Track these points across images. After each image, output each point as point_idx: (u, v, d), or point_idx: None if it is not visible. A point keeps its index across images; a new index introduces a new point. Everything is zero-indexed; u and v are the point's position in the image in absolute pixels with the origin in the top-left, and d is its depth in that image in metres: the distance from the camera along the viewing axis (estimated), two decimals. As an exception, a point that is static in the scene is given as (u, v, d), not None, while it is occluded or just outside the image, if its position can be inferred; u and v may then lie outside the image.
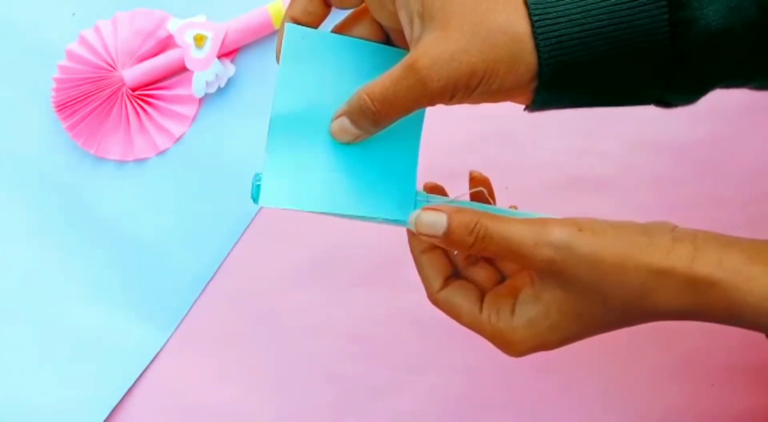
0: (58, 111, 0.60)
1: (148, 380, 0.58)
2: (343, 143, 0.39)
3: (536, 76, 0.36)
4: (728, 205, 0.56)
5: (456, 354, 0.57)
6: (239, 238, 0.59)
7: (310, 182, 0.39)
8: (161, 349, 0.59)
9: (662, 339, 0.56)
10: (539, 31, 0.35)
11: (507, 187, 0.56)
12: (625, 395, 0.56)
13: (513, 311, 0.38)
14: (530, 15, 0.35)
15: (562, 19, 0.35)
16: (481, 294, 0.40)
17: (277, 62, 0.41)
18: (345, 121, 0.38)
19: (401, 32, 0.39)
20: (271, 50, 0.61)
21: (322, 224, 0.59)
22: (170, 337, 0.59)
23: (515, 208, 0.42)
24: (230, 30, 0.59)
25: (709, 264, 0.36)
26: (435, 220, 0.38)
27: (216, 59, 0.59)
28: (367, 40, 0.41)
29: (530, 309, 0.38)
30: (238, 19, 0.60)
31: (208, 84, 0.59)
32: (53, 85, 0.60)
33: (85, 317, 0.59)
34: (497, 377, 0.56)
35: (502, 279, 0.42)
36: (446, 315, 0.41)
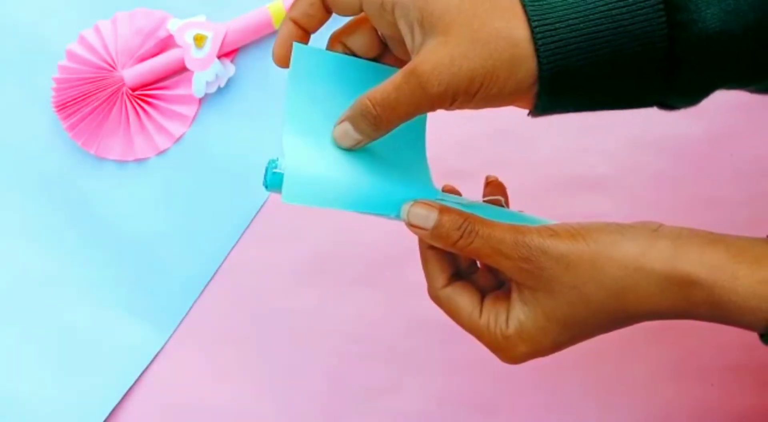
0: (58, 111, 0.60)
1: (148, 380, 0.58)
2: (346, 148, 0.40)
3: (537, 81, 0.36)
4: (727, 205, 0.56)
5: (455, 354, 0.57)
6: (239, 238, 0.59)
7: (330, 180, 0.39)
8: (161, 349, 0.59)
9: (662, 339, 0.56)
10: (539, 36, 0.35)
11: (507, 187, 0.56)
12: (625, 395, 0.56)
13: (508, 317, 0.39)
14: (529, 21, 0.36)
15: (560, 25, 0.36)
16: (482, 298, 0.40)
17: (274, 62, 0.41)
18: (347, 126, 0.39)
19: (400, 41, 0.39)
20: (271, 50, 0.60)
21: (322, 224, 0.59)
22: (170, 337, 0.59)
23: (522, 212, 0.42)
24: (230, 30, 0.59)
25: (690, 262, 0.36)
26: (426, 214, 0.38)
27: (216, 59, 0.59)
28: (367, 51, 0.42)
29: (520, 315, 0.38)
30: (238, 19, 0.60)
31: (208, 84, 0.59)
32: (53, 85, 0.60)
33: (84, 317, 0.59)
34: (496, 377, 0.56)
35: (501, 286, 0.42)
36: (445, 313, 0.41)
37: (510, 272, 0.38)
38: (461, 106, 0.37)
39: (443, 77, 0.35)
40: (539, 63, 0.36)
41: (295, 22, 0.41)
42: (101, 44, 0.60)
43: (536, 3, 0.36)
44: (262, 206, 0.59)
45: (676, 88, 0.37)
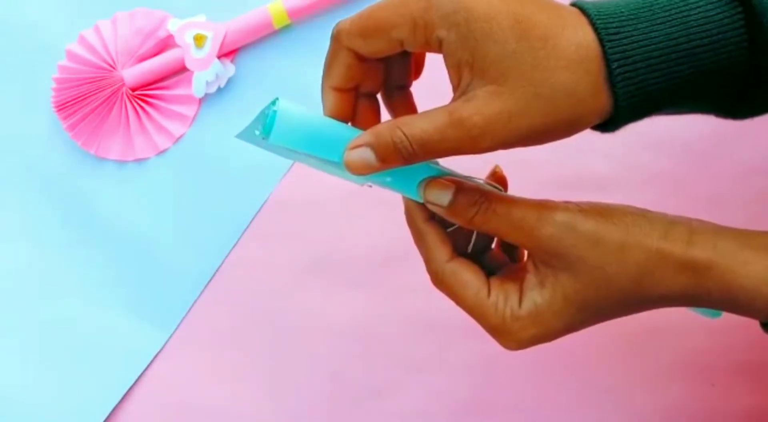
0: (58, 111, 0.60)
1: (148, 380, 0.58)
2: (354, 176, 0.37)
3: (602, 119, 0.35)
4: (728, 204, 0.56)
5: (456, 354, 0.57)
6: (239, 238, 0.59)
7: (320, 130, 0.37)
8: (161, 349, 0.59)
9: (662, 339, 0.56)
10: (619, 78, 0.34)
11: (507, 188, 0.56)
12: (625, 395, 0.56)
13: (520, 299, 0.37)
14: (607, 61, 0.34)
15: (641, 65, 0.34)
16: (487, 277, 0.38)
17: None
18: (368, 154, 0.35)
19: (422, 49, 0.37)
20: (271, 50, 0.61)
21: (322, 224, 0.59)
22: (170, 337, 0.59)
23: None
24: (230, 30, 0.59)
25: (705, 247, 0.36)
26: (442, 190, 0.37)
27: (216, 59, 0.59)
28: (378, 51, 0.37)
29: (536, 297, 0.36)
30: (238, 19, 0.60)
31: (208, 84, 0.59)
32: (53, 85, 0.60)
33: (84, 317, 0.59)
34: (497, 377, 0.56)
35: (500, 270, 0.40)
36: (445, 293, 0.38)
37: (532, 250, 0.37)
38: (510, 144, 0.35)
39: (497, 134, 0.33)
40: (616, 103, 0.34)
41: (339, 90, 0.38)
42: (101, 44, 0.60)
43: (614, 37, 0.34)
44: (262, 206, 0.59)
45: (752, 100, 0.37)
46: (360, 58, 0.37)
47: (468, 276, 0.37)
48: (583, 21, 0.35)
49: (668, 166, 0.57)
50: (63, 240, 0.60)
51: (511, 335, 0.37)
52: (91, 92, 0.60)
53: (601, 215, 0.36)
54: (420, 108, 0.40)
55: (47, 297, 0.59)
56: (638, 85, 0.34)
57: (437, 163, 0.39)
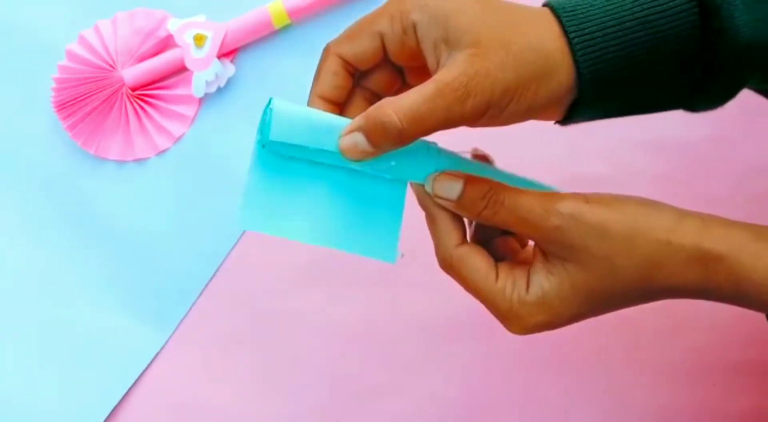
0: (58, 111, 0.60)
1: (148, 380, 0.58)
2: (350, 161, 0.37)
3: (570, 92, 0.36)
4: (728, 205, 0.56)
5: (456, 354, 0.57)
6: (239, 238, 0.59)
7: (294, 210, 0.38)
8: (161, 349, 0.59)
9: (663, 338, 0.56)
10: (578, 47, 0.35)
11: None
12: (625, 394, 0.56)
13: (528, 285, 0.37)
14: (565, 32, 0.36)
15: (598, 34, 0.36)
16: (496, 263, 0.39)
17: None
18: (358, 137, 0.36)
19: (417, 70, 0.39)
20: (271, 50, 0.61)
21: (322, 224, 0.59)
22: (170, 337, 0.59)
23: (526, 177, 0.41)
24: (230, 30, 0.59)
25: (716, 239, 0.36)
26: (451, 184, 0.37)
27: (216, 59, 0.59)
28: (368, 60, 0.39)
29: (544, 283, 0.37)
30: (238, 19, 0.60)
31: (208, 84, 0.59)
32: (53, 85, 0.60)
33: (84, 317, 0.59)
34: (497, 377, 0.56)
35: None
36: (454, 278, 0.39)
37: (540, 241, 0.37)
38: (487, 122, 0.36)
39: (479, 88, 0.34)
40: (579, 73, 0.35)
41: (325, 99, 0.39)
42: (101, 44, 0.60)
43: (570, 13, 0.36)
44: (262, 206, 0.59)
45: (708, 91, 0.37)
46: (347, 68, 0.39)
47: (477, 261, 0.38)
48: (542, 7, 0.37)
49: (668, 166, 0.57)
50: (63, 240, 0.60)
51: (518, 320, 0.37)
52: (91, 92, 0.60)
53: (609, 206, 0.36)
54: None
55: (47, 297, 0.59)
56: (598, 53, 0.35)
57: (434, 143, 0.39)
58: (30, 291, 0.60)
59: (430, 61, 0.37)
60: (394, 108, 0.35)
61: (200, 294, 0.59)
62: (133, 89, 0.60)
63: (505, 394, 0.56)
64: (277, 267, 0.58)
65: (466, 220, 0.40)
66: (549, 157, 0.57)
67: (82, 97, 0.60)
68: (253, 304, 0.58)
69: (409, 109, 0.35)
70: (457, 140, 0.57)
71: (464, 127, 0.57)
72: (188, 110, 0.60)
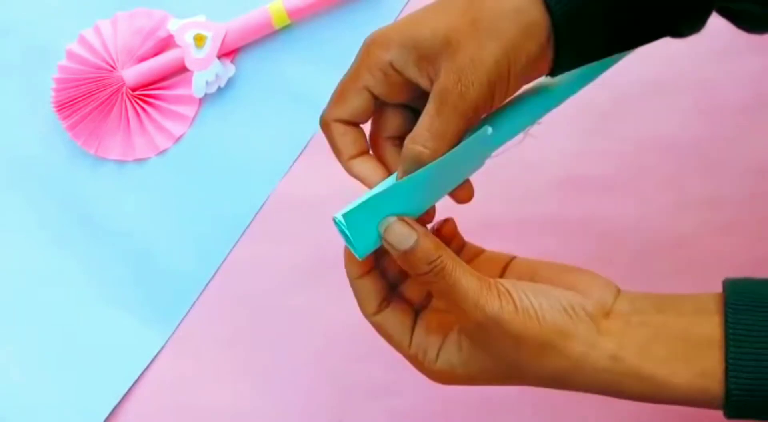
0: (58, 111, 0.60)
1: (148, 380, 0.58)
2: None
3: (549, 36, 0.36)
4: (728, 205, 0.56)
5: (456, 354, 0.57)
6: (239, 238, 0.59)
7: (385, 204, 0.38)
8: (161, 350, 0.59)
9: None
10: None
11: (507, 187, 0.56)
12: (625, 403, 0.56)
13: (438, 355, 0.39)
14: None
15: None
16: (414, 317, 0.41)
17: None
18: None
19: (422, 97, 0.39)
20: (271, 50, 0.61)
21: (322, 224, 0.59)
22: (170, 338, 0.59)
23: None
24: (230, 30, 0.59)
25: (631, 365, 0.37)
26: (405, 235, 0.37)
27: (216, 59, 0.59)
28: (364, 114, 0.40)
29: (453, 358, 0.39)
30: (238, 19, 0.60)
31: (208, 84, 0.59)
32: (53, 85, 0.60)
33: (84, 317, 0.59)
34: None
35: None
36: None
37: (461, 325, 0.38)
38: (502, 99, 0.37)
39: (474, 76, 0.35)
40: (550, 13, 0.35)
41: (353, 157, 0.40)
42: (101, 44, 0.60)
43: None
44: (262, 206, 0.59)
45: (686, 10, 0.37)
46: (350, 124, 0.40)
47: (390, 328, 0.40)
48: None
49: (668, 166, 0.57)
50: (62, 240, 0.60)
51: (430, 378, 0.40)
52: (91, 92, 0.60)
53: (530, 316, 0.37)
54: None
55: (47, 297, 0.59)
56: None
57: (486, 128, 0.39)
58: (30, 291, 0.60)
59: (424, 84, 0.37)
60: (413, 139, 0.37)
61: (200, 294, 0.59)
62: (134, 89, 0.60)
63: (505, 393, 0.56)
64: (277, 267, 0.58)
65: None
66: (550, 157, 0.57)
67: (82, 97, 0.60)
68: (253, 304, 0.58)
69: (427, 131, 0.36)
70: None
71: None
72: (188, 110, 0.60)
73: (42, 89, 0.60)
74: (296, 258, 0.58)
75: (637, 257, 0.56)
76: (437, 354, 0.39)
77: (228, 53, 0.60)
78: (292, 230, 0.59)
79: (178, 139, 0.60)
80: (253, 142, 0.60)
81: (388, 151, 0.41)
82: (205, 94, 0.60)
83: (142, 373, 0.58)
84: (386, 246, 0.38)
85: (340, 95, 0.39)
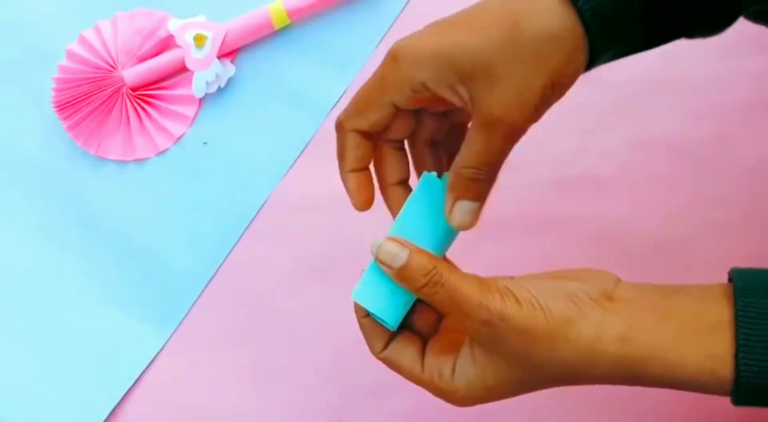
0: (58, 111, 0.60)
1: (148, 380, 0.58)
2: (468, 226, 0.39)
3: (588, 53, 0.36)
4: (727, 205, 0.56)
5: (456, 354, 0.57)
6: (239, 238, 0.59)
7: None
8: (161, 350, 0.59)
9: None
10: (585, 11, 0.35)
11: (507, 187, 0.56)
12: (624, 394, 0.56)
13: (453, 372, 0.39)
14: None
15: None
16: (423, 346, 0.41)
17: (358, 208, 0.42)
18: (467, 205, 0.38)
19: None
20: (271, 50, 0.61)
21: (322, 224, 0.59)
22: (170, 338, 0.59)
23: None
24: (230, 30, 0.59)
25: (640, 343, 0.36)
26: (396, 252, 0.38)
27: (216, 59, 0.59)
28: (380, 125, 0.40)
29: (469, 372, 0.38)
30: (238, 19, 0.60)
31: (208, 84, 0.59)
32: (53, 85, 0.60)
33: (84, 317, 0.59)
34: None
35: (440, 318, 0.42)
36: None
37: (468, 332, 0.38)
38: (542, 114, 0.38)
39: (523, 106, 0.36)
40: (587, 30, 0.36)
41: (356, 172, 0.41)
42: (101, 44, 0.60)
43: None
44: (262, 206, 0.59)
45: (706, 15, 0.37)
46: (366, 136, 0.40)
47: (400, 360, 0.40)
48: None
49: (668, 166, 0.57)
50: (62, 239, 0.60)
51: (451, 400, 0.40)
52: (91, 92, 0.60)
53: (535, 309, 0.37)
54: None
55: (47, 297, 0.59)
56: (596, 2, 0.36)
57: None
58: (30, 290, 0.60)
59: (457, 102, 0.37)
60: (466, 164, 0.37)
61: (200, 294, 0.59)
62: (134, 89, 0.60)
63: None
64: (277, 267, 0.58)
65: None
66: (550, 157, 0.57)
67: (83, 97, 0.60)
68: (253, 304, 0.58)
69: (477, 157, 0.37)
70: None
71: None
72: (188, 110, 0.60)
73: (42, 89, 0.60)
74: (296, 258, 0.58)
75: (636, 257, 0.56)
76: (452, 370, 0.39)
77: (228, 53, 0.60)
78: (292, 230, 0.59)
79: (178, 139, 0.60)
80: (253, 142, 0.60)
81: (387, 154, 0.41)
82: (205, 94, 0.60)
83: (142, 373, 0.58)
84: (382, 267, 0.38)
85: (363, 104, 0.39)
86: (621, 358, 0.36)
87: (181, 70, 0.60)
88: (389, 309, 0.39)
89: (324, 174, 0.59)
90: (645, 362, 0.36)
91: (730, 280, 0.38)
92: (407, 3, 0.60)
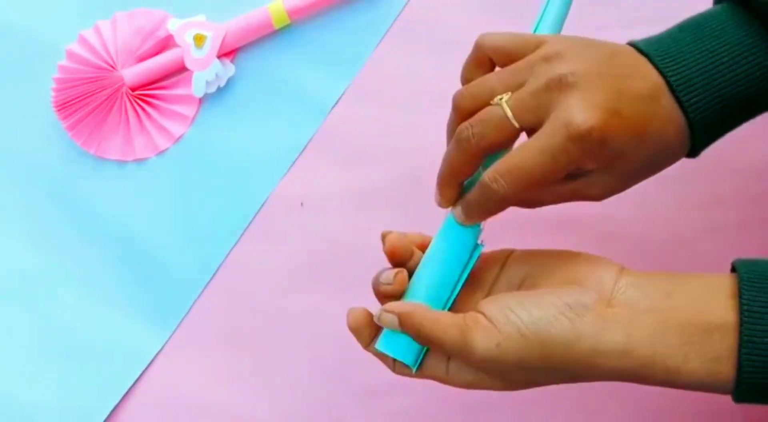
0: (58, 111, 0.60)
1: (148, 380, 0.58)
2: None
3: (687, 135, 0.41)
4: (728, 205, 0.56)
5: (456, 354, 0.56)
6: (239, 238, 0.59)
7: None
8: (161, 349, 0.59)
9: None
10: (688, 104, 0.40)
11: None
12: (626, 392, 0.56)
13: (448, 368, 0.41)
14: (675, 93, 0.40)
15: (698, 81, 0.41)
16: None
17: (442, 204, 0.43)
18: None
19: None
20: (271, 50, 0.61)
21: (322, 224, 0.59)
22: (170, 337, 0.59)
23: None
24: (230, 30, 0.59)
25: (642, 350, 0.36)
26: (390, 320, 0.41)
27: (216, 59, 0.59)
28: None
29: (467, 375, 0.41)
30: (238, 19, 0.60)
31: (207, 84, 0.59)
32: (53, 85, 0.60)
33: (84, 317, 0.59)
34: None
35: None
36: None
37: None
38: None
39: (634, 181, 0.43)
40: (690, 124, 0.41)
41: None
42: (101, 44, 0.60)
43: (673, 68, 0.40)
44: (262, 206, 0.59)
45: None
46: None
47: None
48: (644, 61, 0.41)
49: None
50: (62, 239, 0.60)
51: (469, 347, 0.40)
52: (91, 92, 0.60)
53: (521, 340, 0.37)
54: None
55: (47, 296, 0.59)
56: (704, 97, 0.40)
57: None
58: (30, 290, 0.60)
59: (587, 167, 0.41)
60: (504, 170, 0.39)
61: (200, 294, 0.59)
62: (133, 89, 0.60)
63: (505, 393, 0.56)
64: (277, 267, 0.58)
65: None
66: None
67: (82, 97, 0.60)
68: (253, 304, 0.58)
69: (535, 170, 0.39)
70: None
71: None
72: (188, 110, 0.60)
73: (42, 89, 0.60)
74: (296, 258, 0.58)
75: (636, 257, 0.56)
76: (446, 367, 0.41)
77: (228, 53, 0.60)
78: (292, 230, 0.59)
79: (178, 139, 0.60)
80: (253, 141, 0.60)
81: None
82: (205, 94, 0.60)
83: (143, 373, 0.58)
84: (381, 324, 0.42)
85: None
86: (621, 369, 0.37)
87: (180, 69, 0.60)
88: (408, 354, 0.42)
89: (324, 174, 0.59)
90: (645, 370, 0.36)
91: (733, 270, 0.38)
92: (407, 3, 0.60)
